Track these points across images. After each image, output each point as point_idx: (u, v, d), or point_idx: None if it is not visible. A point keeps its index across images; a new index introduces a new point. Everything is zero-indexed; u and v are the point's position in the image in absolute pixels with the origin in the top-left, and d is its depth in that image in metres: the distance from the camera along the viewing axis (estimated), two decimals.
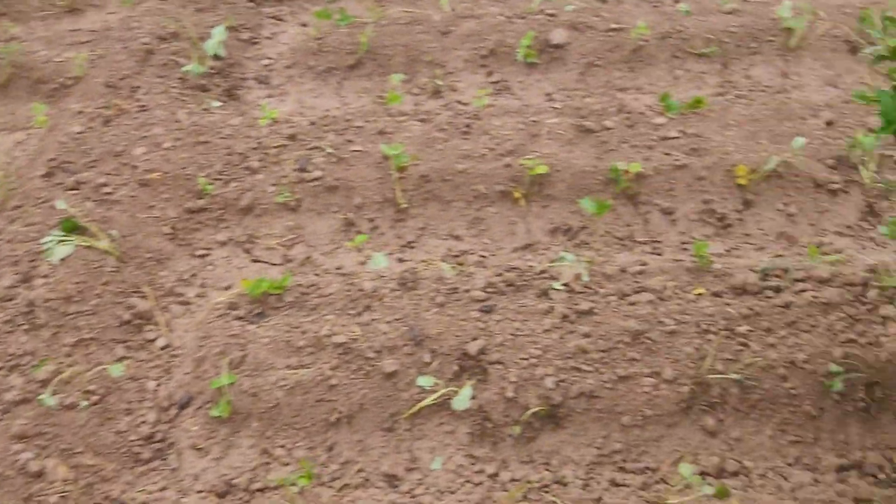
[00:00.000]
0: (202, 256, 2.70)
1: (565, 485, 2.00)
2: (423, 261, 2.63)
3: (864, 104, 2.49)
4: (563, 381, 2.11)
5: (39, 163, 2.88)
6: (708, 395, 2.10)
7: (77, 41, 3.75)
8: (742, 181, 2.76)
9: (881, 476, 2.01)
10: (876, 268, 2.36)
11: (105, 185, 2.74)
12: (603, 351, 2.16)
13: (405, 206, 2.79)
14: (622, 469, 2.05)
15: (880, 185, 2.79)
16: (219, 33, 3.48)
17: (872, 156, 2.82)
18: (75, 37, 3.79)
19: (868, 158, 2.81)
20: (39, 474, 1.91)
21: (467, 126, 3.07)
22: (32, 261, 2.45)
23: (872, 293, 2.28)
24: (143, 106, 3.15)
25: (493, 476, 2.03)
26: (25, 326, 2.25)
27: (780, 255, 2.58)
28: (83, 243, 2.44)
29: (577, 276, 2.36)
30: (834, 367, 2.09)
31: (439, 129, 3.06)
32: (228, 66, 3.53)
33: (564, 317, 2.25)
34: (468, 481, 2.02)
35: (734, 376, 2.09)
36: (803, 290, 2.31)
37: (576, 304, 2.28)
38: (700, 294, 2.33)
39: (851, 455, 2.05)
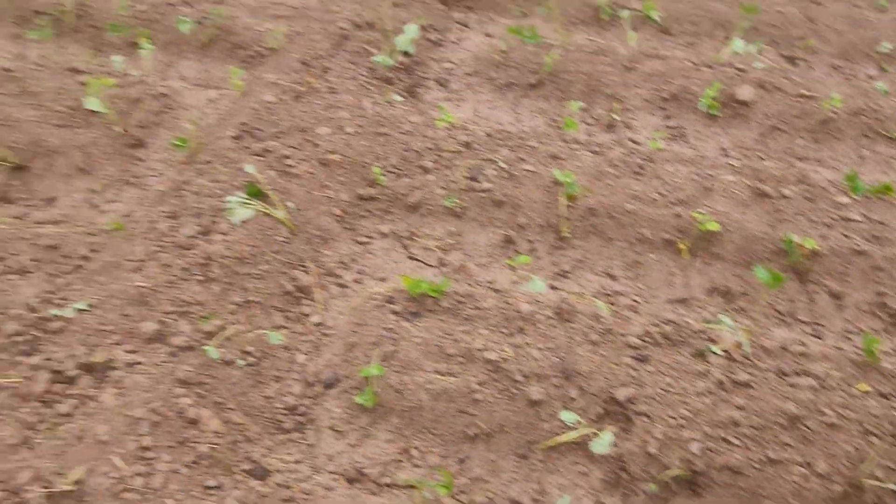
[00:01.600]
0: (363, 244, 2.78)
1: None
2: (575, 293, 2.62)
3: None
4: (709, 449, 2.05)
5: (231, 124, 3.03)
6: (861, 501, 2.00)
7: (277, 14, 3.93)
8: None
9: None
10: None
11: (288, 157, 2.86)
12: (756, 428, 2.08)
13: (567, 234, 2.78)
14: None
15: None
16: (411, 31, 3.57)
17: None
18: (277, 10, 3.97)
19: None
20: (194, 422, 2.00)
21: (640, 167, 3.04)
22: (214, 216, 2.57)
23: None
24: (333, 88, 3.27)
25: None
26: (200, 277, 2.37)
27: None
28: (262, 209, 2.55)
29: (738, 345, 2.29)
30: None
31: (611, 164, 3.04)
32: (414, 64, 3.62)
33: (720, 383, 2.18)
34: None
35: (894, 487, 1.98)
36: None
37: (733, 373, 2.22)
38: (866, 391, 2.22)
39: None
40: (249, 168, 2.64)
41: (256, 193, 2.61)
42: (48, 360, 2.12)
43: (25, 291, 2.36)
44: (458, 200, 2.83)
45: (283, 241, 2.58)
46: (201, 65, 3.69)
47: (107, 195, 2.93)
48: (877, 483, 1.99)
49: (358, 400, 2.15)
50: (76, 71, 3.32)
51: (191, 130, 3.22)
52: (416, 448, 2.12)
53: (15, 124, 3.01)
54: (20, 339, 2.20)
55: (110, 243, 2.56)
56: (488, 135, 3.12)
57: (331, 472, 2.07)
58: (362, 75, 3.41)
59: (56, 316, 2.24)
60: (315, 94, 3.21)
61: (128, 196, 2.94)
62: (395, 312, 2.37)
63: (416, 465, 2.09)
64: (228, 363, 2.19)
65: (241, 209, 2.53)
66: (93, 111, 3.09)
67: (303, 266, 2.57)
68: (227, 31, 3.74)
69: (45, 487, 1.78)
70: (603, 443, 2.03)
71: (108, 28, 3.71)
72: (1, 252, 2.49)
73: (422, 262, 2.75)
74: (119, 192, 2.95)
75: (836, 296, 2.67)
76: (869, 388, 2.24)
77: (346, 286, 2.62)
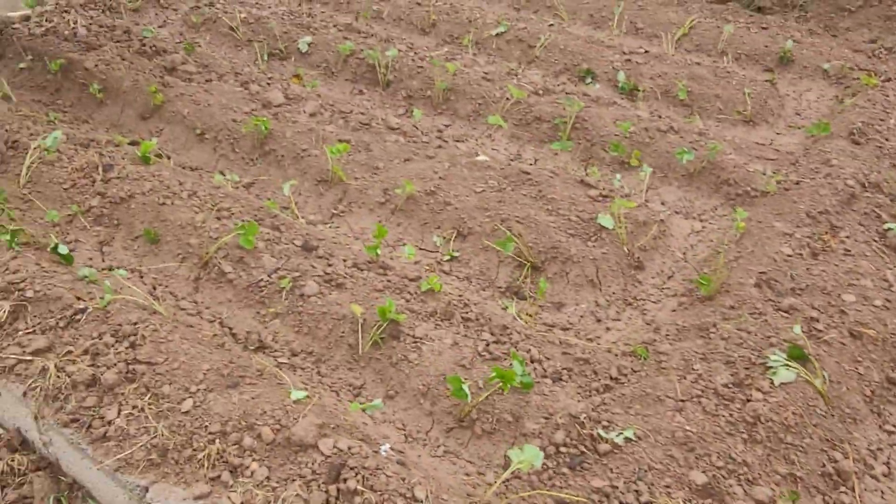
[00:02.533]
0: (891, 433, 2.51)
1: None
2: None
3: None
4: None
5: (745, 269, 2.96)
6: None
7: (764, 156, 3.86)
8: None
9: None
10: None
11: (815, 319, 2.70)
12: None
13: None
14: None
15: None
16: None
17: None
18: (762, 151, 3.91)
19: None
20: None
21: None
22: (748, 369, 2.48)
23: None
24: (848, 250, 3.08)
25: None
26: (744, 435, 2.27)
27: None
28: (804, 375, 2.41)
29: None
30: None
31: None
32: None
33: None
34: None
35: None
36: None
37: None
38: None
39: None
40: (797, 329, 2.52)
41: (798, 356, 2.48)
42: (599, 481, 2.12)
43: (565, 401, 2.42)
44: None
45: (821, 415, 2.40)
46: (683, 193, 3.71)
47: (610, 312, 2.98)
48: None
49: None
50: (585, 184, 3.48)
51: (680, 260, 3.22)
52: None
53: (533, 225, 3.20)
54: (565, 450, 2.24)
55: (640, 369, 2.56)
56: None
57: None
58: (875, 241, 3.19)
59: (602, 437, 2.25)
60: (832, 255, 3.04)
61: (627, 316, 2.97)
62: None
63: None
64: None
65: (783, 371, 2.41)
66: (604, 227, 3.20)
67: (839, 446, 2.37)
68: (714, 165, 3.73)
69: None
70: None
71: (600, 142, 3.89)
72: (537, 353, 2.60)
73: None
74: (621, 311, 2.99)
75: None
76: None
77: (877, 478, 2.36)
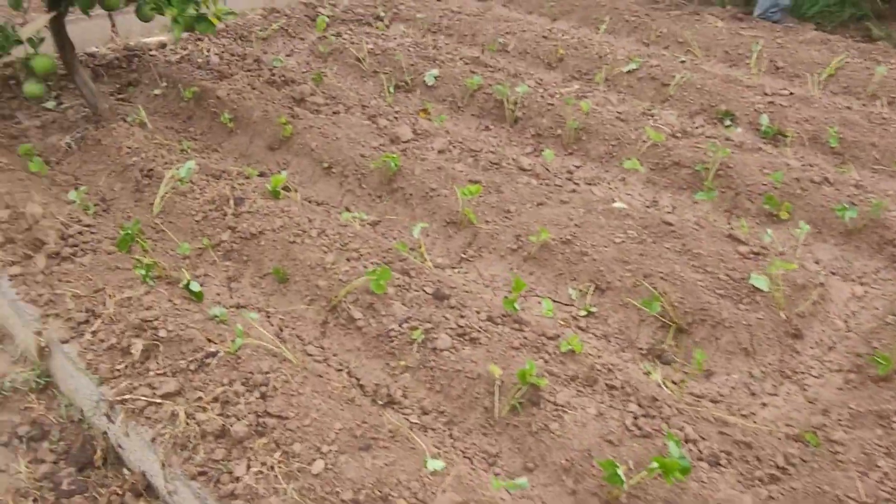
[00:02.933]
0: None
1: None
2: None
3: None
4: None
5: None
6: None
7: None
8: None
9: None
10: None
11: None
12: None
13: None
14: None
15: None
16: None
17: None
18: None
19: None
20: None
21: None
22: None
23: None
24: None
25: None
26: None
27: None
28: None
29: None
30: None
31: None
32: None
33: None
34: None
35: None
36: None
37: None
38: None
39: None
40: None
41: None
42: None
43: (727, 492, 2.17)
44: None
45: None
46: (840, 251, 3.40)
47: (766, 385, 2.71)
48: None
49: None
50: (734, 238, 3.22)
51: (841, 329, 2.92)
52: None
53: (679, 283, 2.96)
54: None
55: (811, 459, 2.29)
56: None
57: None
58: None
59: None
60: None
61: (785, 391, 2.69)
62: None
63: None
64: None
65: None
66: (757, 288, 2.94)
67: None
68: (877, 223, 3.40)
69: None
70: None
71: (746, 192, 3.62)
72: (691, 431, 2.36)
73: None
74: (777, 385, 2.72)
75: None
76: None
77: None
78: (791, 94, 4.59)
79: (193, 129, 4.35)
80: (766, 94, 4.59)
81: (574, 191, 3.60)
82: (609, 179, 3.92)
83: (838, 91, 4.80)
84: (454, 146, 3.97)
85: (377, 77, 4.96)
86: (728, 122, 4.41)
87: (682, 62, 5.20)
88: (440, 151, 3.91)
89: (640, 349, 2.86)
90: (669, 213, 3.50)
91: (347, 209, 3.66)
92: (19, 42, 3.77)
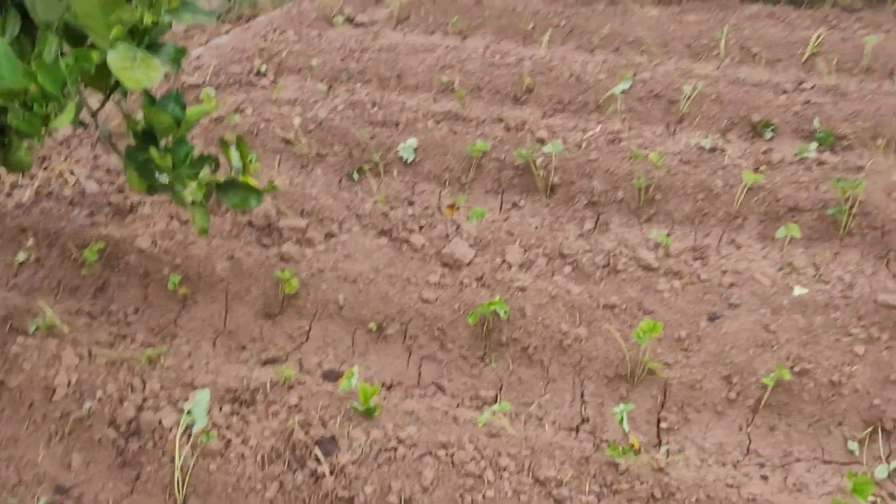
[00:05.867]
0: None
1: None
2: None
3: None
4: None
5: None
6: None
7: None
8: None
9: None
10: None
11: None
12: None
13: None
14: None
15: None
16: None
17: None
18: None
19: None
20: None
21: None
22: None
23: None
24: None
25: None
26: None
27: None
28: None
29: None
30: None
31: None
32: None
33: None
34: None
35: None
36: None
37: None
38: None
39: None
40: None
41: None
42: None
43: None
44: None
45: None
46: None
47: None
48: None
49: None
50: None
51: None
52: None
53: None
54: None
55: None
56: None
57: None
58: None
59: None
60: None
61: None
62: None
63: None
64: None
65: None
66: None
67: None
68: None
69: None
70: None
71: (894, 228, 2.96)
72: None
73: None
74: None
75: None
76: None
77: None
78: (813, 86, 4.01)
79: (117, 310, 2.88)
80: (786, 92, 3.97)
81: (732, 284, 2.71)
82: (718, 247, 3.08)
83: (830, 71, 4.30)
84: (527, 248, 2.91)
85: (324, 162, 3.69)
86: (769, 134, 3.73)
87: (638, 64, 4.44)
88: (522, 266, 2.83)
89: None
90: (883, 291, 2.71)
91: (440, 388, 2.50)
92: None
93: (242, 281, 2.82)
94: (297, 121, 3.81)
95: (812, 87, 4.00)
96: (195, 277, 2.87)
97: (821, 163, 3.35)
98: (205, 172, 2.12)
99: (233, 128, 3.87)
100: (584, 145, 3.52)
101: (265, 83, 4.54)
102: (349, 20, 5.37)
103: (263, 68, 4.63)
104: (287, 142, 3.78)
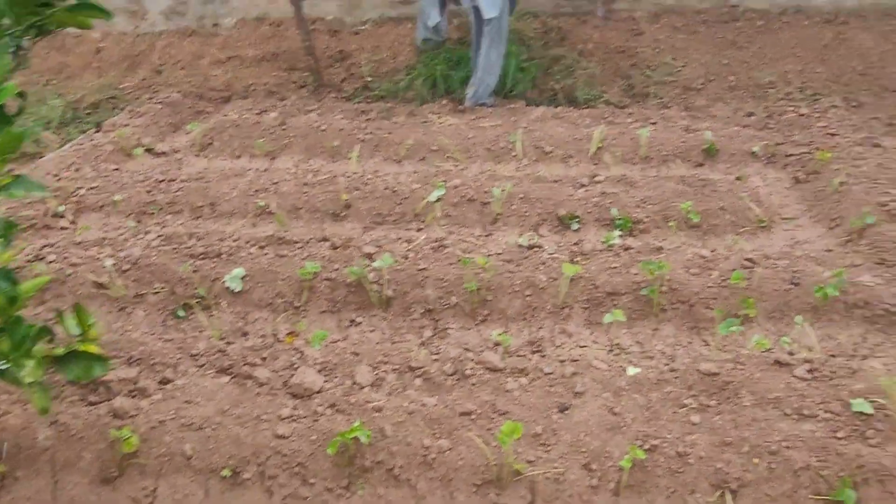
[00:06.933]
0: None
1: None
2: None
3: None
4: None
5: None
6: None
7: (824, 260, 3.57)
8: None
9: None
10: None
11: None
12: None
13: None
14: None
15: None
16: None
17: None
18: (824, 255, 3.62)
19: None
20: None
21: None
22: None
23: None
24: None
25: None
26: None
27: None
28: None
29: None
30: None
31: None
32: None
33: None
34: None
35: None
36: None
37: None
38: None
39: None
40: None
41: None
42: None
43: None
44: None
45: None
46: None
47: None
48: None
49: None
50: (783, 364, 2.83)
51: None
52: None
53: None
54: None
55: None
56: None
57: None
58: None
59: None
60: None
61: None
62: None
63: None
64: None
65: None
66: (864, 413, 2.59)
67: None
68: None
69: None
70: None
71: (699, 302, 3.29)
72: None
73: None
74: None
75: None
76: None
77: None
78: (605, 178, 4.41)
79: None
80: (583, 186, 4.34)
81: (574, 373, 2.85)
82: (551, 338, 3.25)
83: (615, 162, 4.77)
84: (375, 367, 2.91)
85: (145, 302, 3.50)
86: (576, 226, 4.05)
87: (448, 171, 4.69)
88: (373, 386, 2.81)
89: None
90: (703, 360, 2.94)
91: None
92: None
93: (72, 447, 2.57)
94: (109, 262, 3.60)
95: (605, 179, 4.40)
96: (13, 451, 2.57)
97: (626, 248, 3.66)
98: (38, 347, 1.93)
99: (34, 277, 3.57)
100: (410, 256, 3.61)
101: (65, 224, 4.27)
102: (149, 150, 5.21)
103: (61, 209, 4.36)
104: (100, 286, 3.55)
